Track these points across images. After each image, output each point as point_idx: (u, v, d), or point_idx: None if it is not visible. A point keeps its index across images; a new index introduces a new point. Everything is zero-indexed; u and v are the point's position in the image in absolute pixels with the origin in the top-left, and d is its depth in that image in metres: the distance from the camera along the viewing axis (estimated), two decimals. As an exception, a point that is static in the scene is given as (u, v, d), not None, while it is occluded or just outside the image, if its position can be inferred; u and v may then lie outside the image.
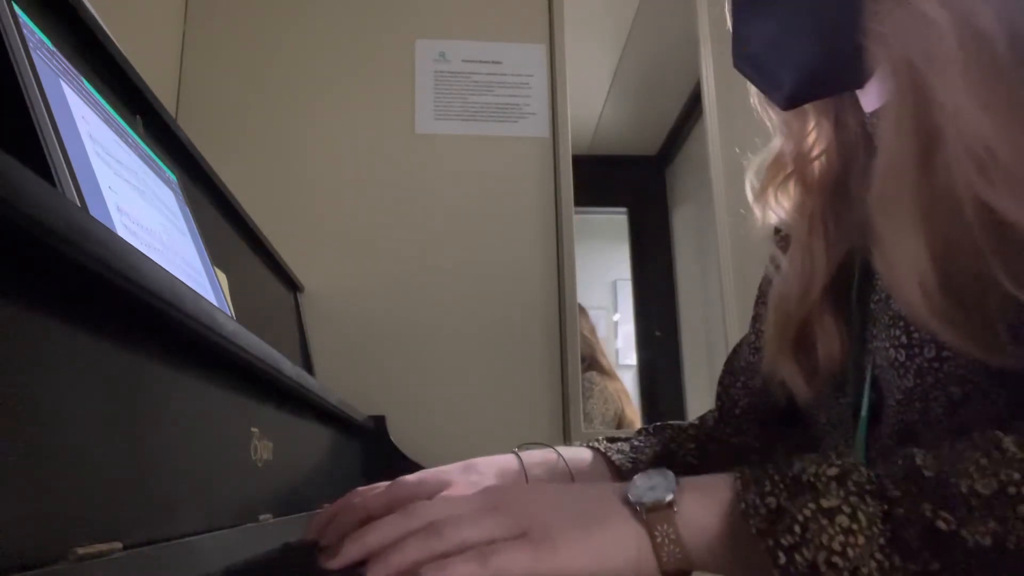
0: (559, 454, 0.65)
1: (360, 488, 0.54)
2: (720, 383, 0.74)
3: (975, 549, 0.33)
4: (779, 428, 0.69)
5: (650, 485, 0.41)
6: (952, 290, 0.42)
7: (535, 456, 0.65)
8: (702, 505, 0.40)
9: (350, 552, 0.40)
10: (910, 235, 0.44)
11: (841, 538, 0.34)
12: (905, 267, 0.44)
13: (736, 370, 0.72)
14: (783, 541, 0.35)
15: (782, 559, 0.35)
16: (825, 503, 0.36)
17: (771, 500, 0.37)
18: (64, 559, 0.31)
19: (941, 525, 0.33)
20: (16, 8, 0.46)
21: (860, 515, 0.35)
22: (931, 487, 0.35)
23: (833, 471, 0.37)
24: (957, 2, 0.45)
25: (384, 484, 0.55)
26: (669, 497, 0.39)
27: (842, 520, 0.35)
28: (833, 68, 0.53)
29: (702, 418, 0.76)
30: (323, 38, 1.66)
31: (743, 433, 0.71)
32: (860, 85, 0.55)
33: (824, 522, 0.35)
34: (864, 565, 0.34)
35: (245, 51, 1.63)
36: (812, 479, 0.37)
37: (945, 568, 0.33)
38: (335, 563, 0.40)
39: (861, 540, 0.34)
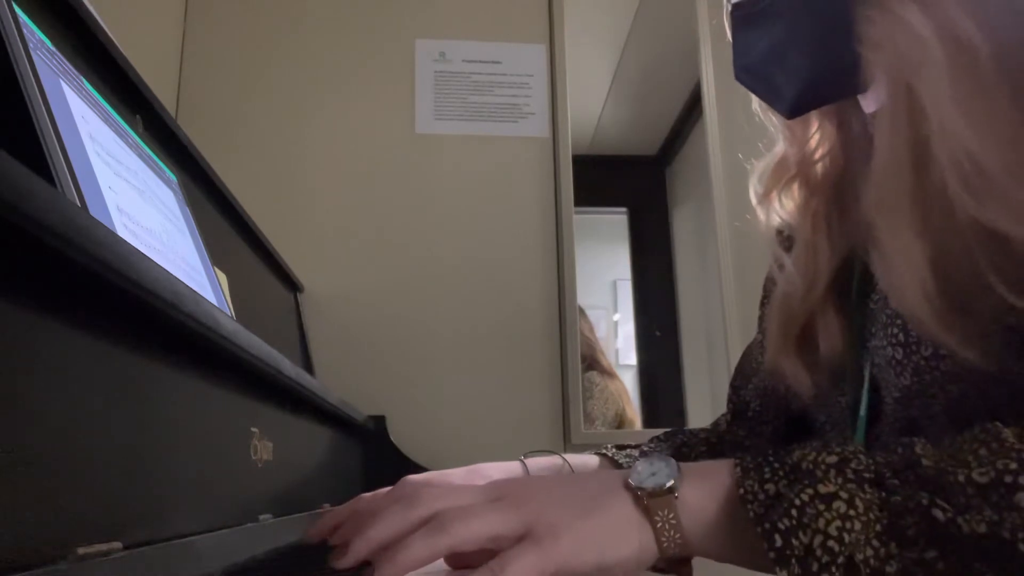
0: (564, 460, 0.65)
1: (365, 495, 0.54)
2: (731, 386, 0.73)
3: (971, 537, 0.33)
4: (792, 430, 0.69)
5: (652, 471, 0.41)
6: (950, 295, 0.42)
7: (540, 462, 0.65)
8: (702, 491, 0.40)
9: (358, 549, 0.40)
10: (908, 240, 0.44)
11: (838, 523, 0.34)
12: (904, 271, 0.44)
13: (747, 372, 0.72)
14: (780, 525, 0.35)
15: (778, 542, 0.35)
16: (823, 488, 0.36)
17: (770, 487, 0.37)
18: (64, 559, 0.31)
19: (938, 514, 0.33)
20: (16, 8, 0.46)
21: (857, 501, 0.35)
22: (929, 476, 0.35)
23: (832, 459, 0.37)
24: (940, 13, 0.45)
25: (388, 489, 0.55)
26: (670, 482, 0.40)
27: (839, 505, 0.35)
28: (833, 76, 0.53)
29: (715, 423, 0.76)
30: (323, 38, 1.66)
31: (757, 435, 0.70)
32: (862, 91, 0.55)
33: (821, 507, 0.35)
34: (860, 551, 0.34)
35: (245, 51, 1.63)
36: (811, 466, 0.37)
37: (942, 556, 0.33)
38: (344, 562, 0.40)
39: (857, 526, 0.34)
